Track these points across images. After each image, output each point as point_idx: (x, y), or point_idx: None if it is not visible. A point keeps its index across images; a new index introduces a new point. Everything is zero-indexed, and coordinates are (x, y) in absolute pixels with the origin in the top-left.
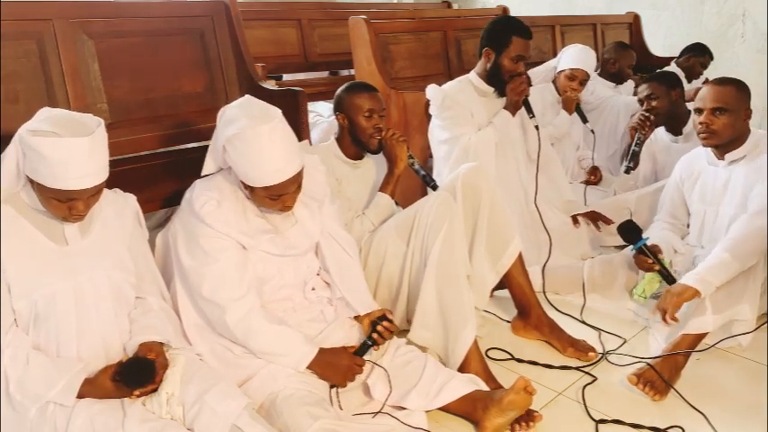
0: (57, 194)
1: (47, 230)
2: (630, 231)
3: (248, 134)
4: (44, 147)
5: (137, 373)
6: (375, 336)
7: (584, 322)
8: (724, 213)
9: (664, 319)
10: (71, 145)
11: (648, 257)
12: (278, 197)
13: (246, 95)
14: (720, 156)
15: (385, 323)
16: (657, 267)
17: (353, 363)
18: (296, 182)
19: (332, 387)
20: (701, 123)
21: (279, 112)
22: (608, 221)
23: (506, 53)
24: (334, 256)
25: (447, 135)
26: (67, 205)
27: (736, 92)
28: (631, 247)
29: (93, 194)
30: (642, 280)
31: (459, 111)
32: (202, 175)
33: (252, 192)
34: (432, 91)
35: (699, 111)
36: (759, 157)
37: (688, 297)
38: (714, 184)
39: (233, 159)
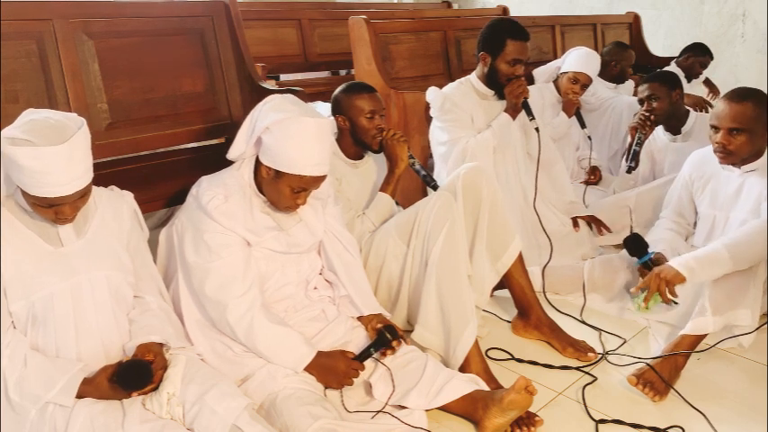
0: (39, 201)
1: (41, 232)
2: (636, 245)
3: (304, 120)
4: (19, 156)
5: (134, 376)
6: (380, 353)
7: (584, 322)
8: (735, 219)
9: (646, 298)
10: (47, 154)
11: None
12: (299, 192)
13: (289, 94)
14: (737, 165)
15: (395, 343)
16: None
17: (351, 367)
18: (321, 181)
19: (326, 389)
20: (717, 143)
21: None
22: (607, 229)
23: (502, 57)
24: (339, 256)
25: (446, 137)
26: (53, 210)
27: (753, 109)
28: (636, 261)
29: (79, 198)
30: (646, 292)
31: (459, 114)
32: (229, 156)
33: (276, 179)
34: (432, 94)
35: (715, 128)
36: None
37: (674, 282)
38: (727, 189)
39: (277, 141)
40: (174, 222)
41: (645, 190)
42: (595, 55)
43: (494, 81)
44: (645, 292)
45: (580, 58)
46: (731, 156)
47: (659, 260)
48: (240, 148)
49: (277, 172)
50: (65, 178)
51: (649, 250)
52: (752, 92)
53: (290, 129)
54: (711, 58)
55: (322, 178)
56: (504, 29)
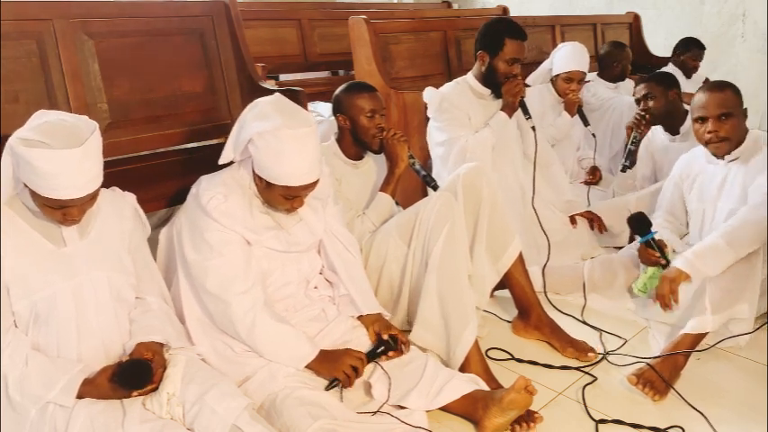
0: (49, 202)
1: (45, 232)
2: (641, 223)
3: (283, 133)
4: (34, 158)
5: (134, 375)
6: (382, 357)
7: (584, 322)
8: (722, 209)
9: (663, 307)
10: (62, 157)
11: (655, 251)
12: (292, 197)
13: (277, 94)
14: (720, 155)
15: (392, 353)
16: (663, 262)
17: (356, 357)
18: (314, 186)
19: (331, 383)
20: (709, 132)
21: (312, 117)
22: (604, 228)
23: (500, 56)
24: (339, 255)
25: (444, 137)
26: (61, 212)
27: (733, 95)
28: (639, 239)
29: (87, 200)
30: (643, 274)
31: (456, 113)
32: (220, 163)
33: (268, 188)
34: (428, 94)
35: (702, 119)
36: (757, 153)
37: (680, 281)
38: (712, 182)
39: (260, 153)
40: (174, 222)
41: (645, 194)
42: (581, 47)
43: (491, 80)
44: (645, 275)
45: (567, 56)
46: (725, 142)
47: (660, 243)
48: (229, 156)
49: (267, 181)
50: (77, 181)
51: (652, 230)
52: (726, 82)
53: (271, 143)
54: (701, 48)
55: (313, 184)
56: (503, 28)
